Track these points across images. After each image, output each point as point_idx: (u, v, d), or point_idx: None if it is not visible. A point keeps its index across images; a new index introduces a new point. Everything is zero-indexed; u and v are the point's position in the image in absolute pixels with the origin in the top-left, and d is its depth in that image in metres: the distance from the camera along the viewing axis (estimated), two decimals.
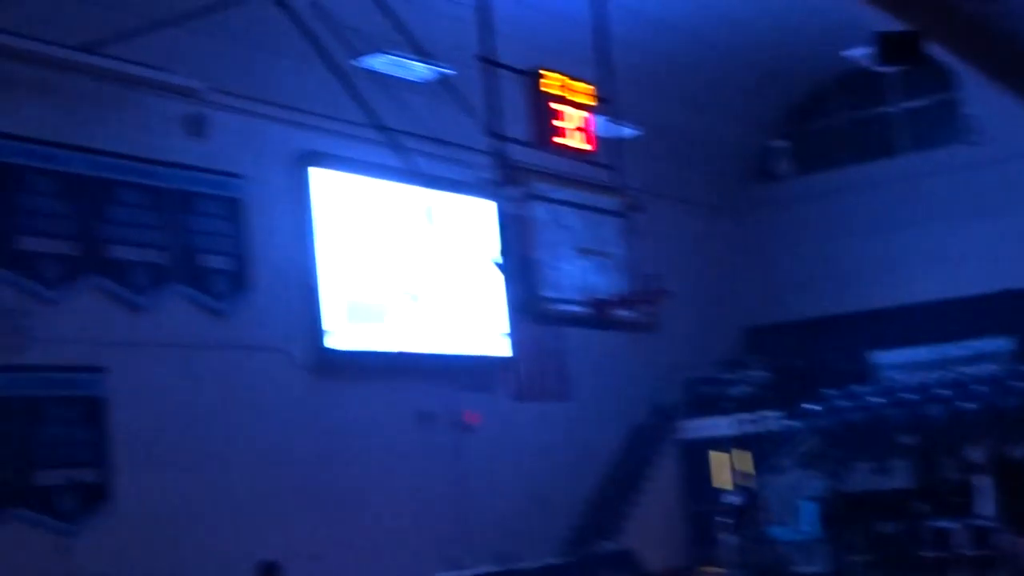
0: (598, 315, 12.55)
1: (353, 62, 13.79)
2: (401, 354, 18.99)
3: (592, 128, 13.07)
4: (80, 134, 15.27)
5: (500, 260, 12.25)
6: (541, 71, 12.53)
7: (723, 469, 22.45)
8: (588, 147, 13.02)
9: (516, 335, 20.23)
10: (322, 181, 18.30)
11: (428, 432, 19.35)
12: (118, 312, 15.49)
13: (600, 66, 13.31)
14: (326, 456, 17.61)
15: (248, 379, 16.82)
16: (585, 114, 13.00)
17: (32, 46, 14.26)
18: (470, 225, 18.33)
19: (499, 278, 19.33)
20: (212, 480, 16.03)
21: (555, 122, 12.66)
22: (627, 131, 16.50)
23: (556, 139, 12.72)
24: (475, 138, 12.99)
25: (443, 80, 13.55)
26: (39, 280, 14.68)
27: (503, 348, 20.51)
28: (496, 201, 12.64)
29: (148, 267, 15.84)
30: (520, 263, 11.99)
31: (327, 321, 17.98)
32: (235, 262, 16.93)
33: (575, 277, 12.43)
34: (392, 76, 14.89)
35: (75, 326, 14.92)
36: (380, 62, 15.18)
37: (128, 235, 15.64)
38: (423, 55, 13.80)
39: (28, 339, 14.32)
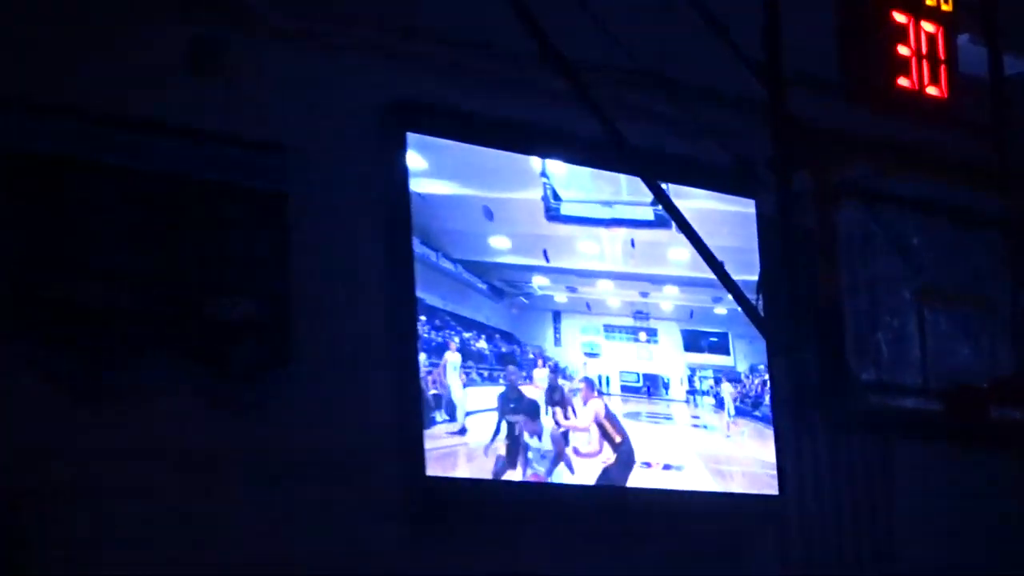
0: (963, 415, 8.38)
1: None
2: (592, 489, 11.01)
3: (954, 63, 8.07)
4: None
5: (763, 309, 7.90)
6: None
7: None
8: (943, 97, 8.08)
9: (791, 452, 12.54)
10: (416, 153, 10.60)
11: None
12: None
13: None
14: None
15: None
16: (940, 37, 8.11)
17: None
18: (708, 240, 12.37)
19: (761, 342, 12.37)
20: None
21: (900, 51, 7.89)
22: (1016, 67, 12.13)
23: (899, 81, 7.89)
24: (725, 81, 8.34)
25: None
26: None
27: (764, 480, 11.60)
28: (763, 199, 9.17)
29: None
30: (811, 315, 7.58)
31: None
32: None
33: (917, 343, 8.50)
34: None
35: None
36: None
37: None
38: None
39: None
